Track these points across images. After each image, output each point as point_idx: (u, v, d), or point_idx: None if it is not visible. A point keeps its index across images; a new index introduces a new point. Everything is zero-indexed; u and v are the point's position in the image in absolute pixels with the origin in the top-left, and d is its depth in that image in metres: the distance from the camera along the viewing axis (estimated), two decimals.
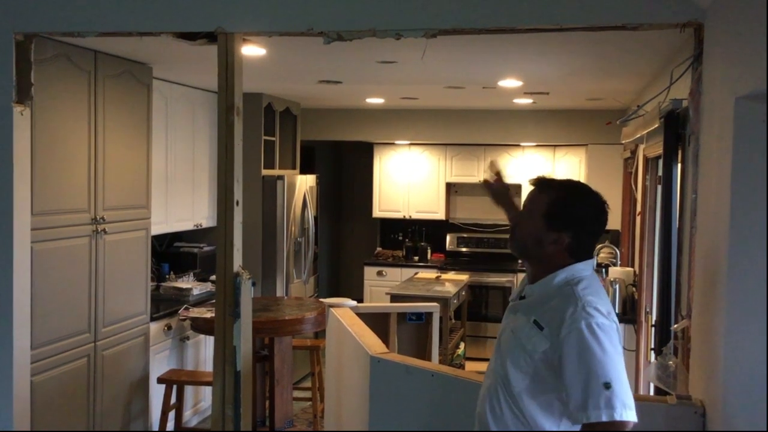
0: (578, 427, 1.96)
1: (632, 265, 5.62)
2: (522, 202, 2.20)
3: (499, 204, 2.49)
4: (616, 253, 6.34)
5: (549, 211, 2.03)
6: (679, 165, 3.14)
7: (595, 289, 2.02)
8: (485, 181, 2.53)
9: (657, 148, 3.75)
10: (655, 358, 3.05)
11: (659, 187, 3.87)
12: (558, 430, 2.00)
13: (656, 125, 3.41)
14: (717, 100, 2.31)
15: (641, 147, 4.96)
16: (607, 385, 1.83)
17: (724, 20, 2.28)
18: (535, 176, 2.15)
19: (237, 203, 3.14)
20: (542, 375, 1.97)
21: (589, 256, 2.09)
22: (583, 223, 2.05)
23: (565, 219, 2.03)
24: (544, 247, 2.04)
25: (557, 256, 2.04)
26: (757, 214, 2.03)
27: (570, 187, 2.10)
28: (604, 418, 1.82)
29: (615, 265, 6.16)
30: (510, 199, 2.48)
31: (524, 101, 6.55)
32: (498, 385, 2.06)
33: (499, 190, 2.48)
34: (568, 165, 7.99)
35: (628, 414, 1.84)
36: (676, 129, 3.06)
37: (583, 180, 7.39)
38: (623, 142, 5.43)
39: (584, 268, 2.05)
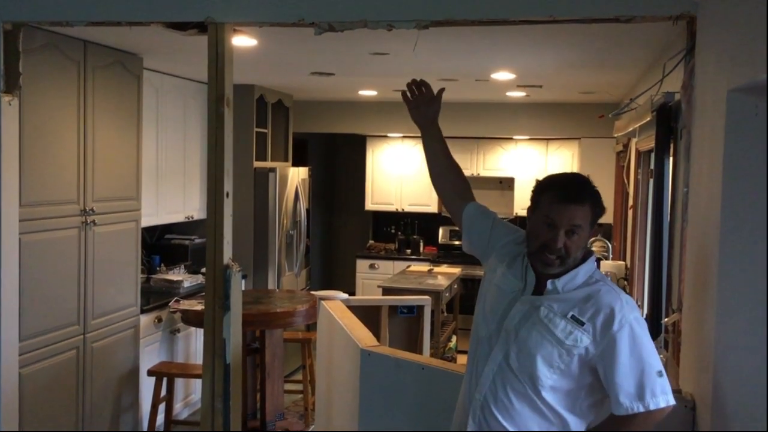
0: (596, 411, 2.03)
1: (624, 259, 5.62)
2: (547, 214, 2.04)
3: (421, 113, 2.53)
4: (608, 246, 6.35)
5: (594, 221, 2.06)
6: (671, 158, 3.13)
7: None
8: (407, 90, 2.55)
9: (649, 142, 3.74)
10: None
11: (651, 181, 3.87)
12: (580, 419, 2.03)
13: (648, 118, 3.40)
14: (709, 92, 2.30)
15: (633, 141, 4.96)
16: (660, 373, 1.94)
17: (717, 12, 2.27)
18: (561, 188, 2.04)
19: (227, 195, 3.12)
20: (572, 369, 1.98)
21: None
22: (600, 214, 2.10)
23: (597, 219, 2.08)
24: (588, 249, 2.11)
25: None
26: (748, 207, 2.02)
27: (591, 188, 2.07)
28: (662, 404, 1.93)
29: (607, 258, 6.17)
30: (433, 109, 2.52)
31: (517, 94, 6.54)
32: (509, 377, 2.02)
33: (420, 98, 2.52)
34: (560, 158, 7.98)
35: (672, 399, 1.96)
36: (668, 122, 3.05)
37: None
38: (616, 135, 5.43)
39: (592, 260, 2.11)
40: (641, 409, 1.91)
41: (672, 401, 1.94)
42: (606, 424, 2.02)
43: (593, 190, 2.06)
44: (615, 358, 1.93)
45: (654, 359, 1.95)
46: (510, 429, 2.01)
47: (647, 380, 1.92)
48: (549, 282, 2.06)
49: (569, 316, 1.98)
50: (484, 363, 2.09)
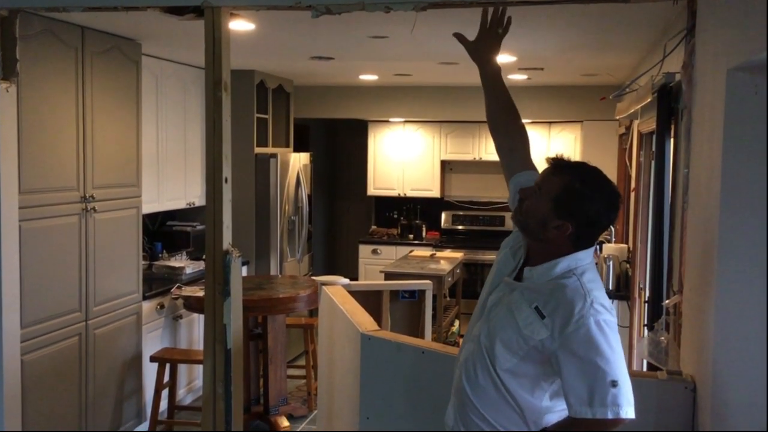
0: (562, 406, 1.97)
1: (626, 242, 5.61)
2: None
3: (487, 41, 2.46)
4: (610, 229, 6.32)
5: (558, 197, 1.96)
6: (672, 140, 3.11)
7: (597, 281, 2.00)
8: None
9: (651, 124, 3.72)
10: (648, 334, 3.04)
11: (653, 163, 3.84)
12: (542, 405, 1.99)
13: (649, 99, 3.38)
14: (709, 72, 2.28)
15: (635, 122, 4.93)
16: (614, 383, 1.84)
17: None
18: (554, 154, 2.06)
19: (226, 180, 3.11)
20: (532, 359, 1.95)
21: (591, 245, 2.04)
22: (590, 217, 1.97)
23: (573, 209, 1.95)
24: (547, 231, 1.98)
25: (558, 242, 1.99)
26: (748, 188, 2.00)
27: (586, 176, 1.99)
28: (610, 416, 1.83)
29: (609, 241, 6.15)
30: (496, 50, 2.45)
31: (519, 77, 6.50)
32: (480, 354, 2.03)
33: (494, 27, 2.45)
34: (563, 141, 7.95)
35: (629, 411, 1.85)
36: (669, 103, 3.03)
37: (578, 157, 7.38)
38: (618, 117, 5.39)
39: (585, 257, 2.01)
40: (588, 416, 1.84)
41: (625, 414, 1.83)
42: (560, 425, 1.99)
43: (575, 171, 1.99)
44: (568, 358, 1.87)
45: (610, 367, 1.84)
46: (474, 402, 2.02)
47: (598, 387, 1.83)
48: (526, 269, 2.04)
49: (533, 306, 1.94)
50: (469, 334, 2.14)
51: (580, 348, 1.86)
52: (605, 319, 1.89)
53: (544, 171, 2.05)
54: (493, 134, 2.45)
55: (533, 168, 2.32)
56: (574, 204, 1.95)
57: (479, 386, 2.02)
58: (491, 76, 2.45)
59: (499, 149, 2.41)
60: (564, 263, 1.98)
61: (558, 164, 2.03)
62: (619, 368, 1.86)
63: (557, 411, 2.01)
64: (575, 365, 1.86)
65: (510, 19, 2.48)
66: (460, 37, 2.52)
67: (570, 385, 1.88)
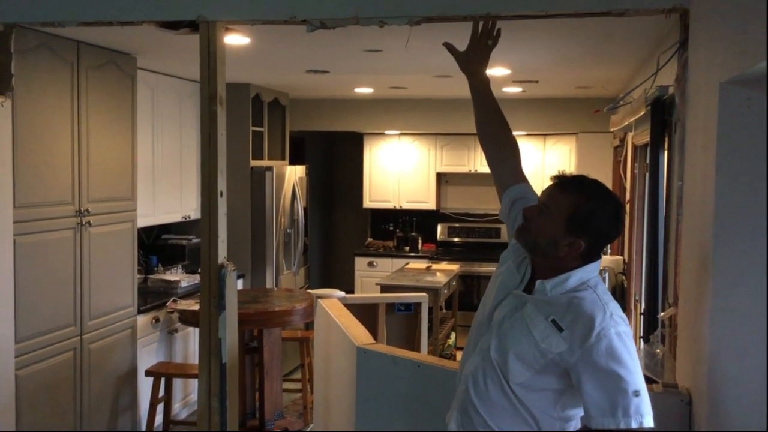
0: (577, 420, 1.98)
1: (622, 254, 5.62)
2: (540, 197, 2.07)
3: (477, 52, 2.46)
4: None
5: (571, 217, 1.96)
6: (666, 152, 3.12)
7: (609, 293, 2.02)
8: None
9: (645, 136, 3.73)
10: (643, 347, 3.04)
11: (647, 175, 3.85)
12: (556, 416, 1.98)
13: (643, 112, 3.39)
14: (702, 85, 2.29)
15: (630, 135, 4.95)
16: (637, 393, 1.85)
17: (709, 5, 2.26)
18: (558, 172, 2.05)
19: (221, 194, 3.12)
20: (548, 372, 1.94)
21: (599, 257, 2.05)
22: (601, 231, 1.99)
23: (585, 226, 1.97)
24: (559, 249, 1.98)
25: (569, 258, 2.00)
26: (741, 200, 2.01)
27: (592, 191, 2.00)
28: (634, 425, 1.84)
29: (605, 253, 6.15)
30: (485, 61, 2.45)
31: (514, 90, 6.53)
32: (490, 368, 2.01)
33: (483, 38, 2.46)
34: (558, 154, 7.97)
35: (650, 420, 1.87)
36: (663, 116, 3.04)
37: (573, 169, 7.40)
38: (612, 130, 5.41)
39: (594, 269, 2.02)
40: (611, 426, 1.84)
41: (648, 424, 1.85)
42: None
43: (584, 188, 1.99)
44: (589, 369, 1.87)
45: (632, 377, 1.85)
46: (484, 415, 2.00)
47: (621, 397, 1.84)
48: (538, 282, 2.02)
49: (550, 319, 1.93)
50: (473, 348, 2.10)
51: (603, 359, 1.86)
52: (624, 330, 1.90)
53: (550, 189, 2.03)
54: (483, 145, 2.45)
55: (525, 180, 2.33)
56: (586, 221, 1.97)
57: (490, 400, 2.00)
58: (480, 87, 2.45)
59: (490, 161, 2.41)
60: (576, 276, 1.99)
61: (563, 182, 2.02)
62: (639, 378, 1.88)
63: (572, 421, 2.01)
64: (597, 377, 1.86)
65: (500, 31, 2.50)
66: (450, 47, 2.53)
67: (591, 396, 1.87)
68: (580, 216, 1.96)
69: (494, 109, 2.42)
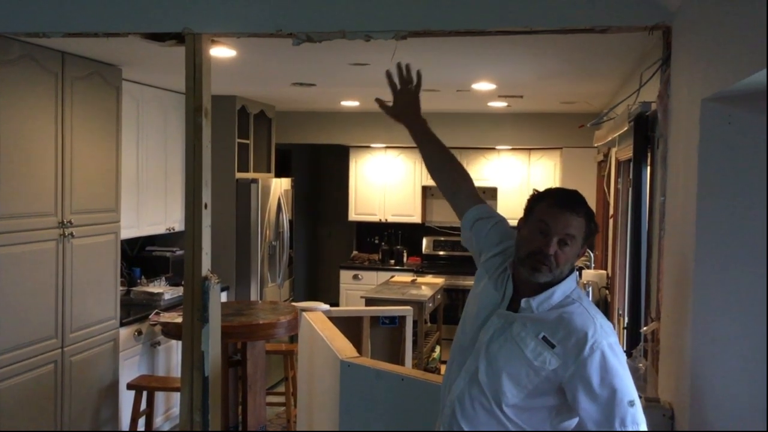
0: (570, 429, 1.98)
1: (605, 268, 5.64)
2: (547, 225, 1.98)
3: (403, 113, 2.50)
4: (590, 255, 6.36)
5: (586, 236, 2.00)
6: (649, 168, 3.15)
7: (593, 304, 2.04)
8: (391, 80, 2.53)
9: (628, 151, 3.76)
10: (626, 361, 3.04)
11: (630, 190, 3.88)
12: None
13: (626, 128, 3.42)
14: (684, 102, 2.32)
15: (613, 150, 4.99)
16: (632, 403, 1.87)
17: (691, 23, 2.29)
18: (559, 195, 2.02)
19: (205, 206, 3.11)
20: (541, 390, 1.94)
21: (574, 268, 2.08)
22: (594, 237, 2.06)
23: (590, 238, 2.02)
24: (572, 265, 2.03)
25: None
26: (722, 215, 2.03)
27: (586, 202, 2.03)
28: None
29: (589, 267, 6.18)
30: (416, 105, 2.48)
31: (499, 104, 6.56)
32: (478, 391, 1.99)
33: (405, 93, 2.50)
34: (543, 168, 8.02)
35: (645, 429, 1.89)
36: (645, 132, 3.07)
37: (558, 183, 7.45)
38: (596, 145, 5.45)
39: (573, 280, 2.03)
40: None
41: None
42: None
43: (589, 207, 2.02)
44: (584, 383, 1.88)
45: (626, 387, 1.88)
46: None
47: (617, 408, 1.86)
48: (523, 300, 2.00)
49: (540, 336, 1.93)
50: (457, 372, 2.07)
51: (597, 372, 1.87)
52: (615, 340, 1.93)
53: (564, 216, 1.96)
54: (437, 182, 2.49)
55: (481, 201, 2.38)
56: (593, 233, 2.02)
57: (479, 423, 1.99)
58: (420, 130, 2.50)
59: (445, 194, 2.46)
60: (560, 290, 1.99)
61: (571, 205, 1.98)
62: (633, 388, 1.90)
63: None
64: (593, 390, 1.88)
65: (419, 72, 2.52)
66: (380, 103, 2.58)
67: (587, 410, 1.89)
68: (591, 231, 2.01)
69: (439, 146, 2.47)
